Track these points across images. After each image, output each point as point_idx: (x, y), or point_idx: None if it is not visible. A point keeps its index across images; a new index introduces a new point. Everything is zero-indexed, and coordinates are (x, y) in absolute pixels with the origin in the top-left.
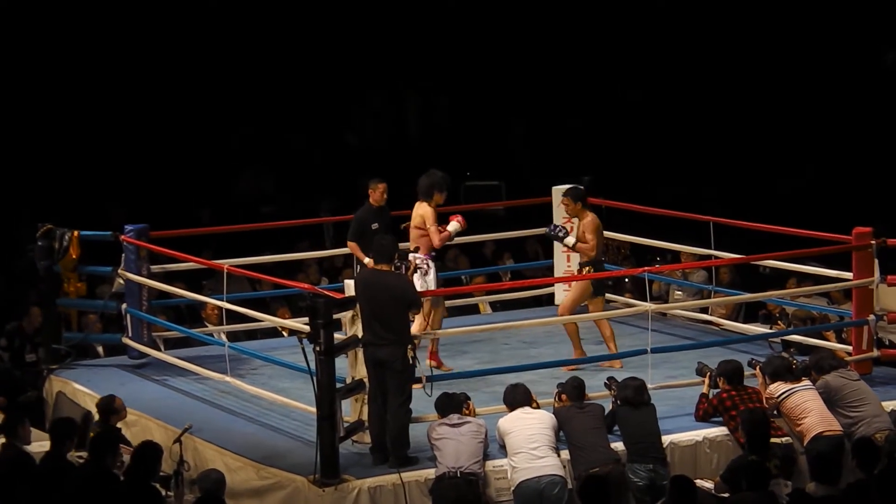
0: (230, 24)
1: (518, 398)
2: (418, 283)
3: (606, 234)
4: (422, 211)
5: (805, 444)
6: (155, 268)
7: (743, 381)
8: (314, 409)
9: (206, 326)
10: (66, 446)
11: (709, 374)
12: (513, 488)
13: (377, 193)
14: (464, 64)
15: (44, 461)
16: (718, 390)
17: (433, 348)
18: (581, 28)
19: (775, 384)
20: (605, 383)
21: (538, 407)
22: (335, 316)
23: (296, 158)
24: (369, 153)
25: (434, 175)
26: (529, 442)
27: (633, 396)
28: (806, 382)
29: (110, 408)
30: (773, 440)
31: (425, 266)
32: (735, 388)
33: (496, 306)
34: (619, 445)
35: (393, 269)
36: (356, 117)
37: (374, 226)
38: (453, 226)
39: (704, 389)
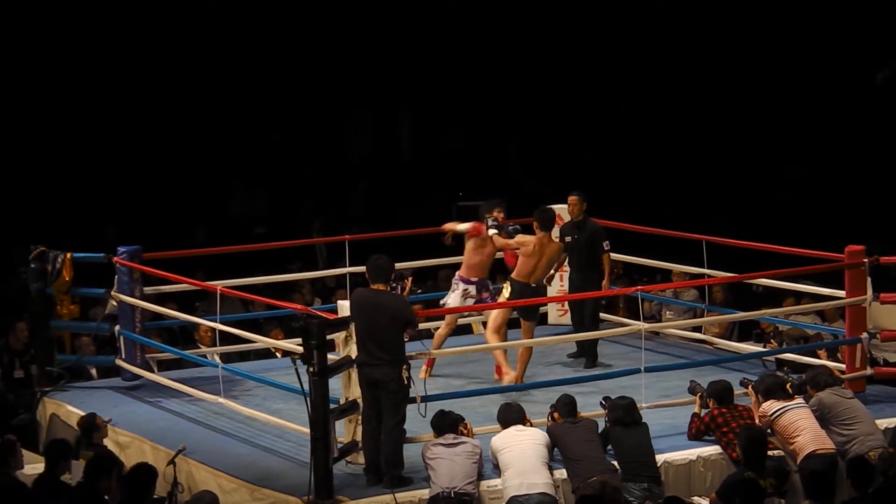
0: (224, 45)
1: (512, 416)
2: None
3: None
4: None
5: (798, 462)
6: (148, 289)
7: (733, 399)
8: (308, 430)
9: (200, 348)
10: (61, 468)
11: (700, 393)
12: None
13: (569, 206)
14: (457, 81)
15: (38, 482)
16: (709, 409)
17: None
18: (574, 45)
19: (768, 402)
20: (601, 403)
21: (531, 425)
22: (328, 337)
23: (288, 178)
24: (361, 172)
25: (488, 201)
26: (522, 460)
27: (624, 416)
28: (799, 400)
29: (92, 425)
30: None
31: (455, 286)
32: (726, 406)
33: None
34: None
35: (389, 289)
36: (348, 136)
37: (567, 239)
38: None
39: (696, 409)
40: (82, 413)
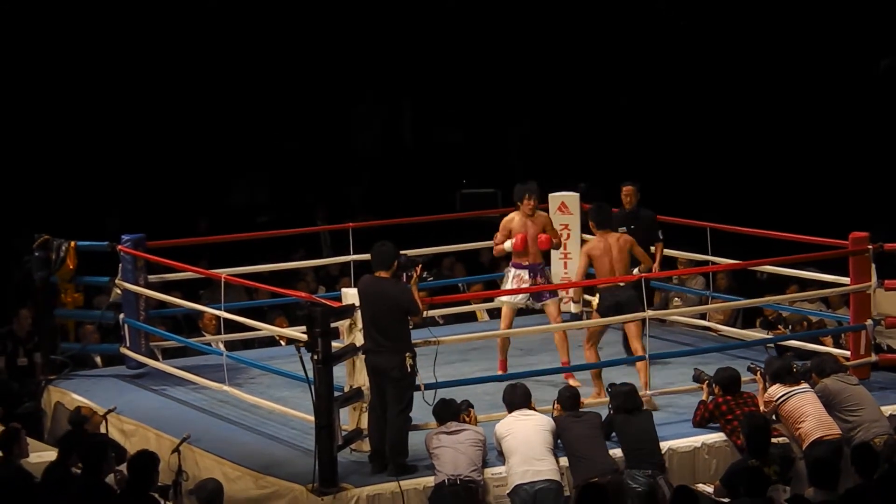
0: (226, 33)
1: (517, 399)
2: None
3: None
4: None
5: (804, 448)
6: (152, 278)
7: (740, 388)
8: (312, 418)
9: (204, 336)
10: (73, 459)
11: (706, 381)
12: (507, 492)
13: (623, 196)
14: (460, 71)
15: (48, 472)
16: (714, 397)
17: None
18: (574, 38)
19: (774, 386)
20: (606, 390)
21: (536, 410)
22: (333, 324)
23: (291, 167)
24: (364, 161)
25: (518, 187)
26: (526, 446)
27: (626, 402)
28: (805, 385)
29: (80, 418)
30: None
31: (506, 273)
32: (731, 394)
33: (493, 314)
34: (617, 452)
35: (395, 276)
36: (352, 125)
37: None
38: (508, 244)
39: (704, 396)
40: (87, 401)
